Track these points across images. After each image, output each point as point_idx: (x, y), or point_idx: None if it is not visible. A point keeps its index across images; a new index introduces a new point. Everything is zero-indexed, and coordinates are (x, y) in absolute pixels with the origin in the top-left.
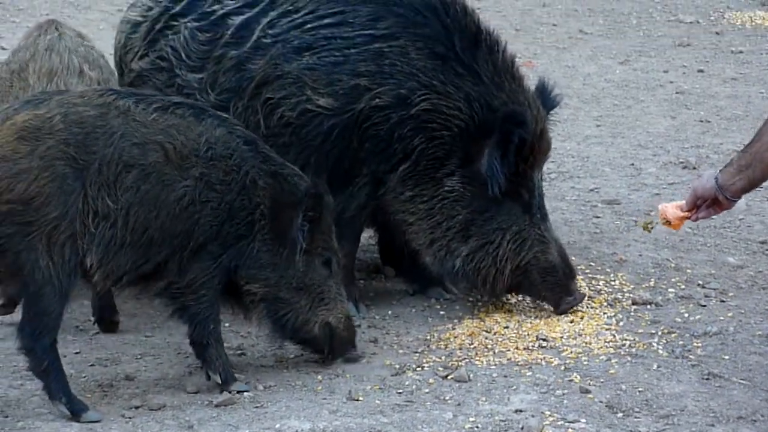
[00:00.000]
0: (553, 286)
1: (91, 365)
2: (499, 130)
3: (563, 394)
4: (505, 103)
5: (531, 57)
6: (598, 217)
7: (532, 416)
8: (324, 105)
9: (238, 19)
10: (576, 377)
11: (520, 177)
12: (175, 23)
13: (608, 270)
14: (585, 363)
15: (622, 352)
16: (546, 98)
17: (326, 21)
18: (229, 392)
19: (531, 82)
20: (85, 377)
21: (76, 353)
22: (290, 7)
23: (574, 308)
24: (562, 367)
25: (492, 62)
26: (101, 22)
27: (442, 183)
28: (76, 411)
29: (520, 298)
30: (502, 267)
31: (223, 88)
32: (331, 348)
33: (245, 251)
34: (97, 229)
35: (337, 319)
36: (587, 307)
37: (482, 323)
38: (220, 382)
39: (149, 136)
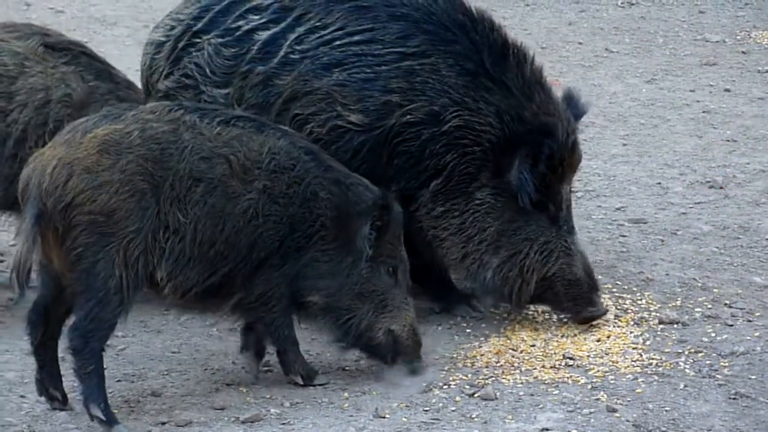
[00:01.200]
0: (576, 297)
1: (118, 381)
2: (530, 141)
3: (590, 413)
4: (536, 114)
5: (557, 75)
6: (624, 236)
7: None
8: (354, 121)
9: (264, 35)
10: (603, 396)
11: (548, 189)
12: (198, 40)
13: (635, 289)
14: (612, 382)
15: (649, 372)
16: (574, 107)
17: (356, 38)
18: (312, 385)
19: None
20: (111, 393)
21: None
22: (318, 24)
23: (601, 327)
24: (589, 386)
25: (521, 74)
26: (127, 38)
27: (473, 197)
28: (109, 421)
29: (547, 317)
30: (528, 277)
31: (250, 103)
32: (395, 356)
33: (304, 262)
34: (167, 243)
35: (401, 327)
36: (614, 326)
37: (509, 341)
38: (301, 382)
39: (215, 149)
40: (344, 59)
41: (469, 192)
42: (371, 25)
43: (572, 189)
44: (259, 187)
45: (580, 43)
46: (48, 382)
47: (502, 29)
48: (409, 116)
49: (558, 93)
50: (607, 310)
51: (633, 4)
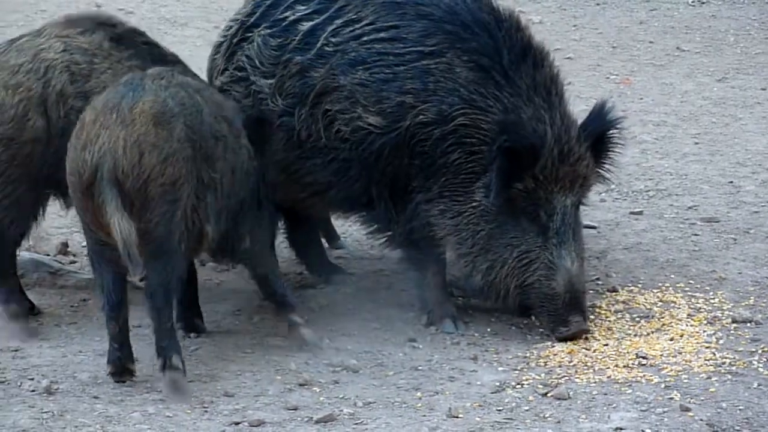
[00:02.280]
0: (550, 313)
1: (191, 381)
2: (499, 144)
3: (663, 412)
4: (530, 119)
5: (628, 74)
6: (696, 234)
7: None
8: (373, 123)
9: (306, 25)
10: (676, 395)
11: (535, 197)
12: (250, 34)
13: (707, 288)
14: (685, 381)
15: (723, 370)
16: (594, 120)
17: (381, 35)
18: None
19: (628, 99)
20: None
21: None
22: (354, 17)
23: (674, 326)
24: (662, 385)
25: (532, 77)
26: (198, 39)
27: (472, 198)
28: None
29: (619, 316)
30: (506, 284)
31: (288, 93)
32: None
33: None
34: (206, 199)
35: None
36: (687, 326)
37: (582, 341)
38: (300, 321)
39: (215, 110)
40: (368, 57)
41: (470, 192)
42: (397, 22)
43: (642, 190)
44: (244, 143)
45: (651, 42)
46: (127, 358)
47: (527, 30)
48: (421, 116)
49: (629, 93)
50: (586, 330)
51: (704, 3)
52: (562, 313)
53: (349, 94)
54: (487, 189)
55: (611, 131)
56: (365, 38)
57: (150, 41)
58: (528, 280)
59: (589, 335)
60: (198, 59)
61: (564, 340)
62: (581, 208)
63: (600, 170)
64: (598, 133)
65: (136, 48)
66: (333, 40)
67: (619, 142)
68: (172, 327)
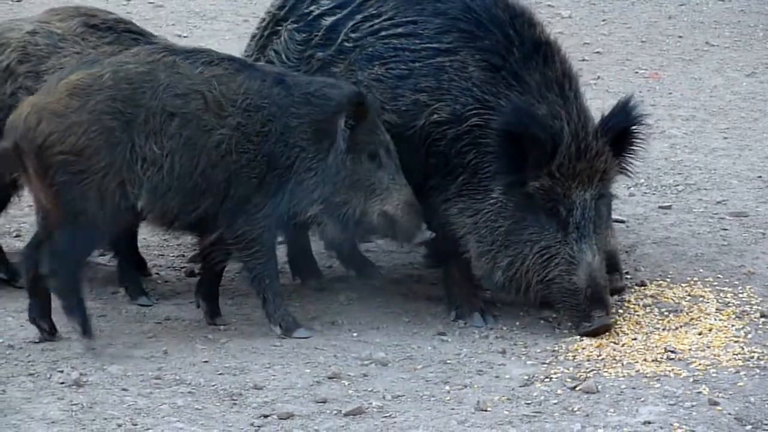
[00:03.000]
0: (572, 308)
1: (220, 374)
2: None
3: (692, 406)
4: (546, 116)
5: (657, 69)
6: (725, 229)
7: (661, 428)
8: (389, 120)
9: (329, 20)
10: (704, 389)
11: (553, 193)
12: (279, 28)
13: (736, 282)
14: (713, 375)
15: (751, 365)
16: (616, 115)
17: (399, 30)
18: (291, 338)
19: (657, 93)
20: (214, 385)
21: (205, 362)
22: (374, 12)
23: (702, 320)
24: (691, 380)
25: (542, 73)
26: (227, 33)
27: (490, 196)
28: (86, 331)
29: (648, 310)
30: (528, 279)
31: None
32: (394, 234)
33: (291, 191)
34: (145, 174)
35: (393, 207)
36: (715, 320)
37: (610, 335)
38: (280, 332)
39: (192, 86)
40: (385, 53)
41: (488, 191)
42: (415, 18)
43: (671, 185)
44: (233, 124)
45: (681, 37)
46: (36, 312)
47: (540, 26)
48: (436, 116)
49: (658, 87)
50: (609, 326)
51: None
52: (585, 309)
53: (365, 90)
54: (505, 186)
55: (634, 126)
56: (383, 33)
57: (137, 29)
58: (549, 275)
59: (617, 329)
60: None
61: (587, 335)
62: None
63: (623, 164)
64: (620, 129)
65: (116, 35)
66: (353, 35)
67: (642, 137)
68: (73, 291)
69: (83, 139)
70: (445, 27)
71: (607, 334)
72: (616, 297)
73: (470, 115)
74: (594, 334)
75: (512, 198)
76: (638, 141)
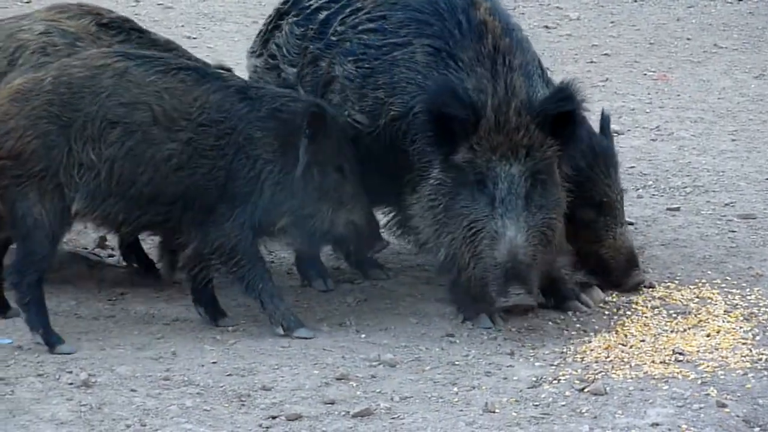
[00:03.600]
0: (492, 283)
1: (229, 375)
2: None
3: (700, 408)
4: (472, 90)
5: (665, 71)
6: (733, 231)
7: (669, 430)
8: (360, 120)
9: (323, 14)
10: (713, 391)
11: (476, 165)
12: (282, 22)
13: (744, 284)
14: (722, 377)
15: (759, 367)
16: (547, 98)
17: (370, 26)
18: (293, 337)
19: (665, 95)
20: (222, 387)
21: (214, 363)
22: (358, 5)
23: (711, 322)
24: (699, 381)
25: (475, 50)
26: (236, 34)
27: (429, 178)
28: (51, 342)
29: (656, 312)
30: (464, 256)
31: (306, 81)
32: (359, 244)
33: (261, 202)
34: (81, 179)
35: (360, 217)
36: (724, 322)
37: (618, 336)
38: (282, 332)
39: (140, 96)
40: (356, 49)
41: (429, 170)
42: (386, 12)
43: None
44: (184, 139)
45: (689, 39)
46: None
47: (482, 5)
48: (392, 112)
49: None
50: (529, 306)
51: (741, 0)
52: (501, 282)
53: (341, 87)
54: (440, 163)
55: (566, 109)
56: (360, 28)
57: (140, 28)
58: (476, 249)
59: (626, 331)
60: (235, 53)
61: (505, 311)
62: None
63: (560, 148)
64: (553, 110)
65: (125, 33)
66: (338, 29)
67: (576, 122)
68: (32, 302)
69: (19, 143)
70: (405, 20)
71: (615, 335)
72: (624, 296)
73: (415, 102)
74: (511, 311)
75: (448, 175)
76: (571, 125)
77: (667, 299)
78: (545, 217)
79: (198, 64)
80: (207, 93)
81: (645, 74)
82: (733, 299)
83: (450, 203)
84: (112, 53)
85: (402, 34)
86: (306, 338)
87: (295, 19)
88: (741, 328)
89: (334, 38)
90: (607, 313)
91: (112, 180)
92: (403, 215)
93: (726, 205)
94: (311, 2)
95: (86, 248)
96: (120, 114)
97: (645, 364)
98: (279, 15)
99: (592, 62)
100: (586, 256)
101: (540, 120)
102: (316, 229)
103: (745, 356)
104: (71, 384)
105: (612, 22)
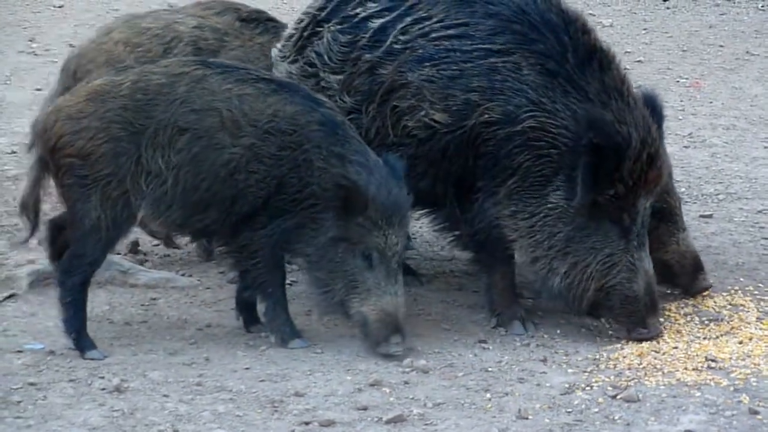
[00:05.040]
0: (630, 315)
1: (261, 381)
2: (589, 148)
3: (732, 415)
4: (613, 122)
5: (698, 78)
6: (766, 238)
7: None
8: (439, 120)
9: (377, 23)
10: (745, 398)
11: (621, 200)
12: (320, 29)
13: None
14: (754, 384)
15: None
16: (658, 117)
17: (450, 32)
18: (288, 348)
19: (697, 102)
20: (255, 392)
21: (246, 369)
22: (424, 14)
23: (743, 329)
24: (731, 388)
25: (600, 80)
26: None
27: (546, 200)
28: (81, 347)
29: (689, 319)
30: (587, 285)
31: (357, 90)
32: (366, 336)
33: (289, 225)
34: (148, 187)
35: (369, 310)
36: (756, 329)
37: (651, 343)
38: (274, 341)
39: (212, 102)
40: (436, 54)
41: (543, 195)
42: (467, 19)
43: (712, 194)
44: (246, 144)
45: (721, 46)
46: None
47: (593, 33)
48: (486, 115)
49: (699, 96)
50: (660, 334)
51: None
52: (641, 315)
53: (416, 90)
54: (566, 190)
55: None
56: (434, 35)
57: (273, 18)
58: (610, 282)
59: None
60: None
61: (641, 340)
62: None
63: None
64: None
65: (263, 24)
66: (402, 37)
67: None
68: (71, 303)
69: (90, 144)
70: (498, 28)
71: (647, 342)
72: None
73: (525, 116)
74: (648, 339)
75: (572, 203)
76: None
77: (699, 306)
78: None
79: (291, 81)
80: (282, 102)
81: (678, 81)
82: (766, 306)
83: (574, 234)
84: (192, 62)
85: (499, 42)
86: (301, 348)
87: (338, 27)
88: None
89: (398, 46)
90: None
91: (178, 187)
92: (471, 216)
93: (759, 212)
94: (358, 11)
95: (119, 253)
96: (191, 120)
97: (678, 371)
98: (316, 22)
99: (625, 69)
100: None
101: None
102: (326, 299)
103: None
104: (103, 389)
105: (645, 29)
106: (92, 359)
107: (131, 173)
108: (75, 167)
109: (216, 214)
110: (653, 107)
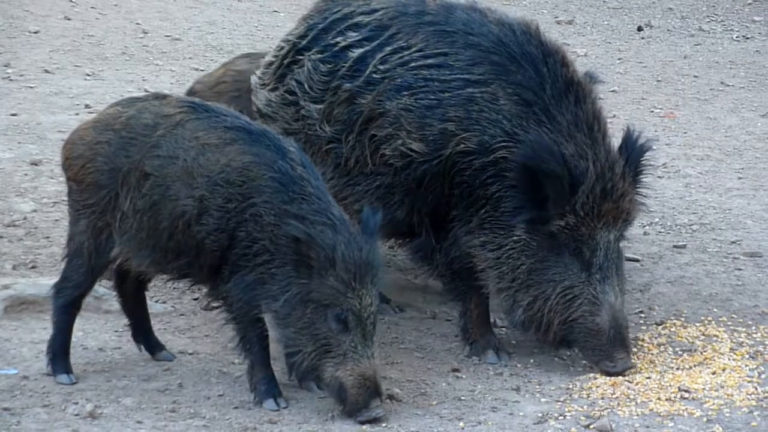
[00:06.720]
0: (595, 348)
1: (235, 408)
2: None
3: None
4: (572, 156)
5: (672, 108)
6: (739, 269)
7: None
8: (416, 149)
9: (357, 52)
10: (718, 429)
11: (574, 231)
12: (301, 57)
13: (750, 322)
14: (727, 415)
15: (765, 405)
16: (633, 153)
17: (429, 61)
18: (261, 408)
19: (672, 133)
20: (228, 419)
21: (220, 395)
22: (404, 44)
23: (716, 360)
24: (704, 419)
25: (573, 113)
26: None
27: (512, 232)
28: (53, 369)
29: (662, 349)
30: (549, 319)
31: (337, 120)
32: (342, 402)
33: (250, 281)
34: (120, 226)
35: (347, 376)
36: (729, 360)
37: (624, 373)
38: (250, 399)
39: (178, 150)
40: (414, 83)
41: (510, 226)
42: (446, 49)
43: (686, 224)
44: (197, 195)
45: (696, 77)
46: (136, 333)
47: (572, 66)
48: (462, 145)
49: (673, 127)
50: (630, 367)
51: (748, 38)
52: (608, 349)
53: (393, 119)
54: (527, 224)
55: (646, 157)
56: (413, 64)
57: None
58: (572, 315)
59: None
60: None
61: (609, 375)
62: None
63: (641, 200)
64: (641, 170)
65: None
66: (381, 67)
67: (651, 166)
68: (55, 324)
69: (81, 171)
70: (476, 59)
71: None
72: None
73: (498, 147)
74: (616, 374)
75: (535, 236)
76: (648, 171)
77: (673, 336)
78: (624, 273)
79: (271, 132)
80: (238, 152)
81: (652, 111)
82: (739, 337)
83: (536, 266)
84: (183, 103)
85: (477, 72)
86: (273, 410)
87: (319, 56)
88: (747, 366)
89: (377, 76)
90: None
91: (142, 232)
92: (446, 245)
93: (732, 243)
94: (339, 40)
95: None
96: (155, 166)
97: (651, 401)
98: (297, 50)
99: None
100: None
101: (635, 182)
102: (297, 362)
103: (750, 394)
104: (77, 415)
105: (619, 59)
106: (61, 383)
107: (111, 208)
108: (72, 190)
109: (186, 260)
110: (632, 145)
